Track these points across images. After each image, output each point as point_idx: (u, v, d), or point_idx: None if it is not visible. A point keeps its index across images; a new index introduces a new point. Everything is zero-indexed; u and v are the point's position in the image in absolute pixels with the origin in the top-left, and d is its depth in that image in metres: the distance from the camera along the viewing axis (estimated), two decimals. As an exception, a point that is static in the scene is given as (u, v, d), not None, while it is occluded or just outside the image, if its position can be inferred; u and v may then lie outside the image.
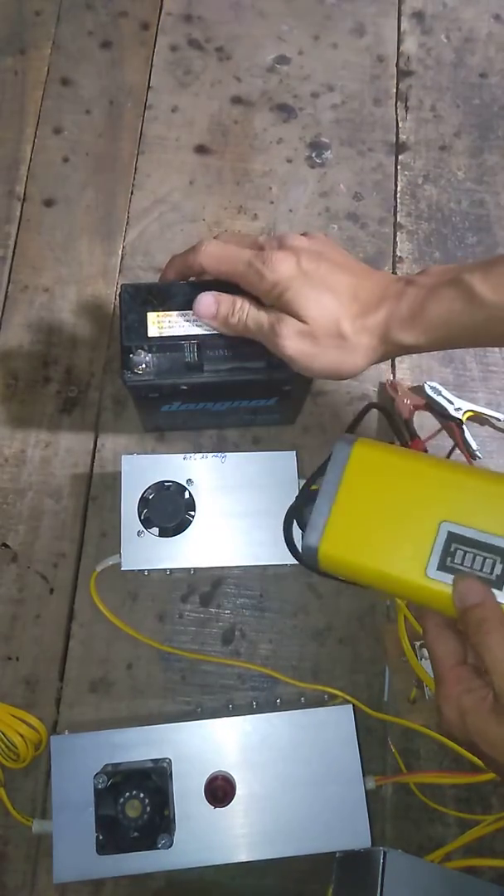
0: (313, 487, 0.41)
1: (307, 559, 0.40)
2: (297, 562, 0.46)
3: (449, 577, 0.36)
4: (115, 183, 0.72)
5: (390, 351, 0.46)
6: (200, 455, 0.58)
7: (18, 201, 0.71)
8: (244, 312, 0.47)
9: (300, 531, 0.41)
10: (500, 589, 0.35)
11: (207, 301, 0.48)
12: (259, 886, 0.53)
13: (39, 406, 0.65)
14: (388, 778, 0.55)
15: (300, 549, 0.41)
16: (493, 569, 0.36)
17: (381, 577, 0.38)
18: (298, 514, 0.43)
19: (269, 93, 0.76)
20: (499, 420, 0.64)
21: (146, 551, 0.55)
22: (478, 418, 0.64)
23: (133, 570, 0.56)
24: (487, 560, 0.36)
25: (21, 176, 0.72)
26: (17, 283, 0.69)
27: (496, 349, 0.67)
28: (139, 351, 0.49)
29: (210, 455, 0.58)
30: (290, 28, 0.79)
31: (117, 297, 0.67)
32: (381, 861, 0.46)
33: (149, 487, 0.56)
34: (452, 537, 0.37)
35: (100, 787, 0.50)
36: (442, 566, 0.36)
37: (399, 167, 0.74)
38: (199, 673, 0.58)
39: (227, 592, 0.60)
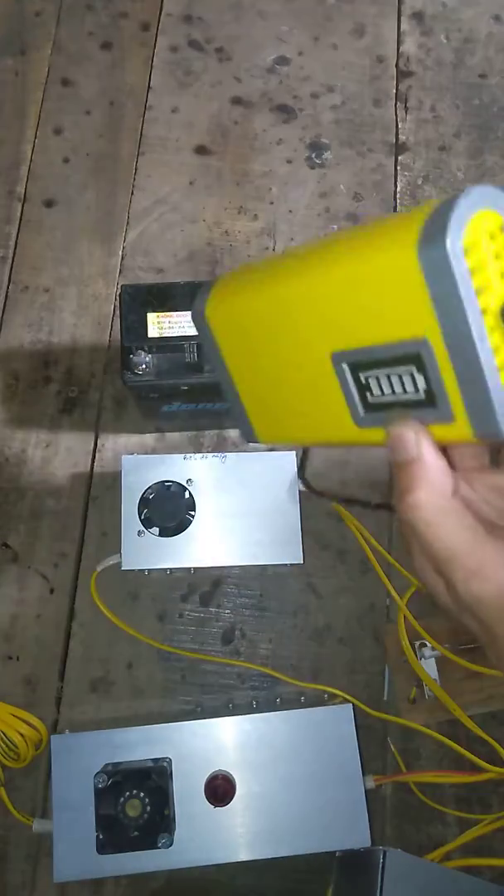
0: None
1: (250, 441, 0.36)
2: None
3: (382, 416, 0.28)
4: (116, 183, 0.72)
5: None
6: (200, 455, 0.58)
7: (19, 202, 0.71)
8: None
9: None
10: (434, 405, 0.26)
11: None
12: (259, 886, 0.53)
13: (40, 406, 0.65)
14: (387, 777, 0.55)
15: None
16: (415, 384, 0.26)
17: (323, 443, 0.33)
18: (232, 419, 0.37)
19: (269, 93, 0.76)
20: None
21: (146, 551, 0.55)
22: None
23: (133, 570, 0.56)
24: (405, 378, 0.26)
25: (21, 176, 0.72)
26: (18, 283, 0.69)
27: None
28: (139, 351, 0.50)
29: (210, 455, 0.58)
30: (290, 29, 0.79)
31: (117, 298, 0.68)
32: (381, 860, 0.46)
33: (149, 487, 0.56)
34: (354, 368, 0.28)
35: (100, 786, 0.50)
36: (368, 409, 0.29)
37: (399, 168, 0.74)
38: (199, 672, 0.58)
39: (227, 592, 0.60)
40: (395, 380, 0.27)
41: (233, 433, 0.64)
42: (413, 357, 0.25)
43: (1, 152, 0.73)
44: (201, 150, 0.74)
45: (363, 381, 0.28)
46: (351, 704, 0.54)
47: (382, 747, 0.57)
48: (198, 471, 0.57)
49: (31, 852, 0.54)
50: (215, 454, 0.58)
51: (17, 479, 0.63)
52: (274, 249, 0.70)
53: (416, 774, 0.55)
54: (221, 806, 0.51)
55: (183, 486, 0.56)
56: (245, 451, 0.61)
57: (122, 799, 0.50)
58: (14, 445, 0.64)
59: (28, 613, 0.59)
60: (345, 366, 0.28)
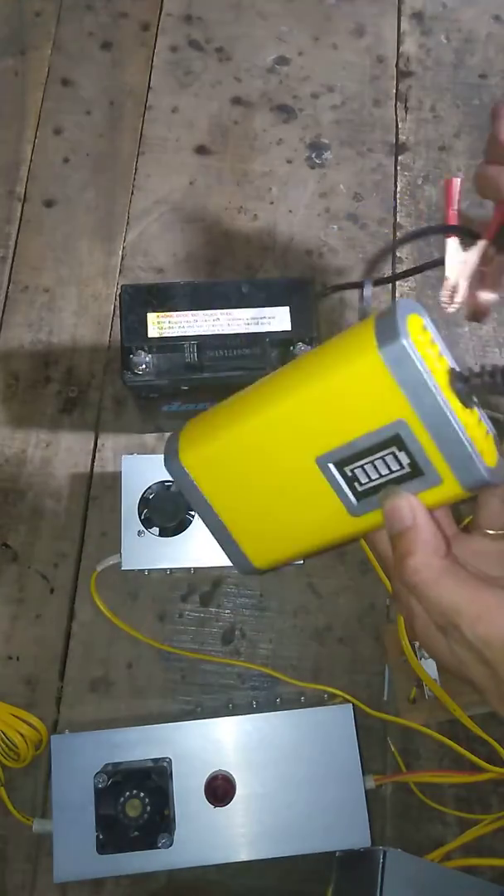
0: None
1: (247, 573, 0.38)
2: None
3: (374, 500, 0.32)
4: (116, 183, 0.72)
5: None
6: (200, 455, 0.58)
7: (19, 202, 0.71)
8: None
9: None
10: (420, 474, 0.30)
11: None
12: (259, 886, 0.54)
13: (40, 406, 0.65)
14: (387, 777, 0.55)
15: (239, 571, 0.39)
16: (399, 462, 0.30)
17: (321, 546, 0.35)
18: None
19: (269, 93, 0.76)
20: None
21: (146, 551, 0.55)
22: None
23: (133, 570, 0.56)
24: (388, 459, 0.30)
25: (21, 176, 0.72)
26: (18, 283, 0.69)
27: (497, 350, 0.68)
28: (139, 351, 0.50)
29: (210, 455, 0.58)
30: (290, 29, 0.79)
31: (117, 298, 0.68)
32: (381, 860, 0.46)
33: (149, 487, 0.56)
34: (340, 464, 0.32)
35: (100, 786, 0.50)
36: (360, 496, 0.32)
37: (399, 168, 0.74)
38: (199, 672, 0.58)
39: (227, 592, 0.60)
40: (379, 464, 0.31)
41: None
42: (393, 438, 0.30)
43: (1, 152, 0.73)
44: (201, 150, 0.74)
45: (349, 474, 0.31)
46: (351, 704, 0.54)
47: (382, 747, 0.57)
48: (198, 471, 0.57)
49: (31, 852, 0.54)
50: (215, 454, 0.58)
51: (17, 479, 0.63)
52: (274, 249, 0.70)
53: (416, 774, 0.55)
54: (221, 806, 0.51)
55: (183, 486, 0.56)
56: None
57: (122, 799, 0.50)
58: (14, 445, 0.64)
59: (28, 613, 0.59)
60: (331, 465, 0.32)
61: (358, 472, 0.31)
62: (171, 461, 0.36)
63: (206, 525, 0.37)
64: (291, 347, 0.51)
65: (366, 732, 0.56)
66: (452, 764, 0.56)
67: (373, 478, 0.31)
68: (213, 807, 0.51)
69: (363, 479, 0.31)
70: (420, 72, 0.78)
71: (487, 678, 0.32)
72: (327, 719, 0.53)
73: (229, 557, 0.38)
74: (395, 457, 0.30)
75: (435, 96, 0.77)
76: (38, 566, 0.60)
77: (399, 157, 0.75)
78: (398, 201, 0.73)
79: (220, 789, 0.51)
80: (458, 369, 0.30)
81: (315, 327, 0.52)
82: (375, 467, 0.31)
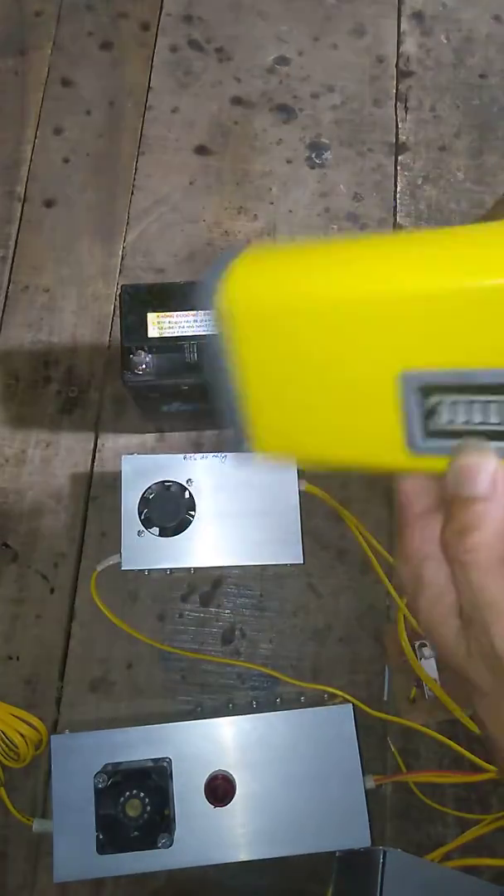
0: None
1: (238, 451, 0.30)
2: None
3: (446, 444, 0.24)
4: (116, 183, 0.72)
5: None
6: (200, 455, 0.58)
7: (19, 202, 0.71)
8: None
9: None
10: None
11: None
12: (259, 886, 0.54)
13: (40, 406, 0.65)
14: (387, 777, 0.55)
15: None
16: (501, 414, 0.23)
17: (351, 465, 0.27)
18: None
19: (269, 93, 0.76)
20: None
21: (146, 551, 0.55)
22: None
23: (133, 570, 0.56)
24: (492, 405, 0.23)
25: (21, 176, 0.72)
26: (18, 283, 0.69)
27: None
28: (139, 351, 0.50)
29: (210, 455, 0.58)
30: (290, 29, 0.79)
31: (117, 298, 0.68)
32: (381, 860, 0.46)
33: (149, 487, 0.56)
34: (430, 391, 0.24)
35: (100, 786, 0.50)
36: (430, 435, 0.25)
37: (399, 168, 0.74)
38: (199, 672, 0.58)
39: (227, 592, 0.60)
40: (482, 408, 0.23)
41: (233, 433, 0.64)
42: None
43: (1, 152, 0.73)
44: (201, 150, 0.74)
45: (433, 405, 0.24)
46: (351, 704, 0.54)
47: (382, 747, 0.57)
48: (198, 471, 0.57)
49: (30, 852, 0.54)
50: (215, 454, 0.58)
51: (17, 479, 0.63)
52: (274, 249, 0.70)
53: (416, 774, 0.55)
54: (221, 806, 0.51)
55: (183, 486, 0.56)
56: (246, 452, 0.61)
57: (122, 799, 0.50)
58: (14, 445, 0.64)
59: (28, 613, 0.59)
60: (415, 391, 0.24)
61: (447, 407, 0.24)
62: (211, 289, 0.26)
63: (217, 377, 0.28)
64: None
65: (366, 732, 0.56)
66: (452, 764, 0.56)
67: (462, 421, 0.24)
68: (213, 807, 0.51)
69: (447, 418, 0.24)
70: (420, 72, 0.78)
71: (488, 684, 0.28)
72: (327, 719, 0.53)
73: (228, 423, 0.29)
74: (499, 406, 0.23)
75: (435, 96, 0.77)
76: (38, 566, 0.60)
77: (399, 157, 0.75)
78: (398, 201, 0.73)
79: (220, 789, 0.51)
80: None
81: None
82: (474, 411, 0.23)
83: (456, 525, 0.26)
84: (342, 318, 0.24)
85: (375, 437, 0.26)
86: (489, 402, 0.23)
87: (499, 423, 0.23)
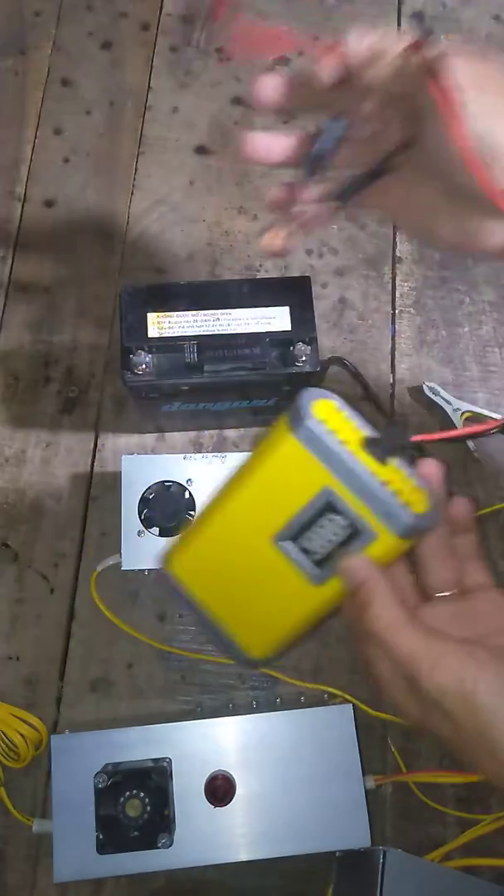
0: None
1: (250, 667, 0.43)
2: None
3: (331, 566, 0.35)
4: (116, 183, 0.72)
5: None
6: (200, 455, 0.58)
7: (19, 202, 0.71)
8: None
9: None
10: (360, 532, 0.34)
11: None
12: (259, 886, 0.54)
13: (40, 406, 0.65)
14: (387, 777, 0.55)
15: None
16: (338, 525, 0.34)
17: (302, 625, 0.38)
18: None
19: (269, 93, 0.76)
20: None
21: (146, 551, 0.55)
22: (476, 419, 0.64)
23: (133, 570, 0.56)
24: (328, 523, 0.34)
25: (21, 177, 0.72)
26: (18, 283, 0.69)
27: (496, 350, 0.68)
28: (139, 351, 0.50)
29: (210, 455, 0.58)
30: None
31: (117, 298, 0.67)
32: (381, 860, 0.46)
33: (149, 487, 0.56)
34: (291, 539, 0.35)
35: (100, 786, 0.50)
36: (317, 566, 0.35)
37: (399, 168, 0.74)
38: (199, 672, 0.58)
39: (227, 592, 0.60)
40: (323, 531, 0.34)
41: (233, 433, 0.64)
42: (325, 505, 0.33)
43: (1, 152, 0.73)
44: (201, 150, 0.74)
45: (303, 546, 0.35)
46: (351, 704, 0.54)
47: (382, 747, 0.57)
48: (198, 471, 0.57)
49: (30, 852, 0.54)
50: (215, 454, 0.58)
51: (17, 479, 0.63)
52: (274, 249, 0.70)
53: (416, 774, 0.55)
54: (221, 806, 0.51)
55: (183, 486, 0.56)
56: (246, 452, 0.61)
57: (122, 799, 0.50)
58: (14, 445, 0.64)
59: (28, 613, 0.59)
60: (286, 543, 0.35)
61: (308, 542, 0.35)
62: (164, 573, 0.40)
63: (203, 627, 0.40)
64: (291, 347, 0.51)
65: (366, 732, 0.56)
66: (452, 764, 0.56)
67: (323, 544, 0.34)
68: (213, 807, 0.51)
69: (316, 548, 0.35)
70: (420, 72, 0.78)
71: (447, 729, 0.33)
72: (327, 719, 0.53)
73: (231, 654, 0.40)
74: (334, 521, 0.34)
75: (435, 96, 0.77)
76: (38, 566, 0.60)
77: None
78: (398, 201, 0.73)
79: (220, 789, 0.51)
80: (371, 435, 0.33)
81: (315, 327, 0.52)
82: (321, 535, 0.34)
83: (357, 609, 0.34)
84: (225, 532, 0.37)
85: (296, 595, 0.36)
86: (321, 525, 0.34)
87: (340, 532, 0.34)
